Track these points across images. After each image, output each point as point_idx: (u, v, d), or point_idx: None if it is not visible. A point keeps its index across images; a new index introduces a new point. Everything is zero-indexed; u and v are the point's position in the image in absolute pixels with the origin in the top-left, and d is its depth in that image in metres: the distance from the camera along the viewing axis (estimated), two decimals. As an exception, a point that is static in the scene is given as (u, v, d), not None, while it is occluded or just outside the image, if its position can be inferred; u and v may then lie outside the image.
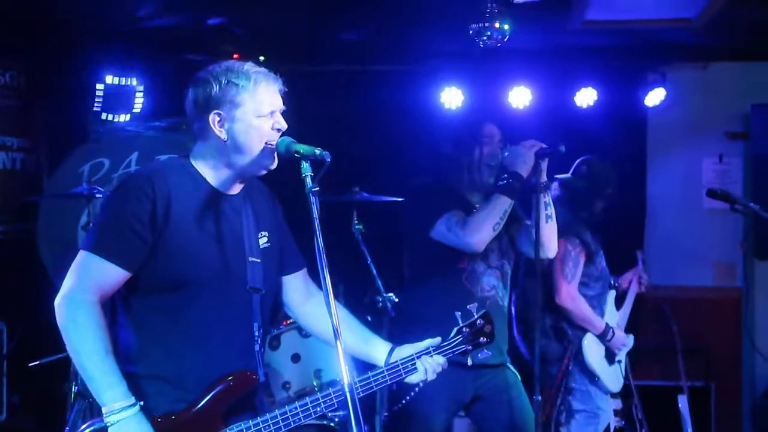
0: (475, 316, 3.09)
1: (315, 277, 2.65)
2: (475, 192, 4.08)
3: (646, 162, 6.89)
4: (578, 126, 6.45)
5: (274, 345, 4.77)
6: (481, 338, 3.08)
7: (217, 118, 2.75)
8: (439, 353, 3.00)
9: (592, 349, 4.91)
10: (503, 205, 3.83)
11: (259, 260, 2.84)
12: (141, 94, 6.36)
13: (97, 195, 5.31)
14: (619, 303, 5.19)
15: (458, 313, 3.10)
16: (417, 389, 3.85)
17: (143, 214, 2.63)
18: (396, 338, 3.92)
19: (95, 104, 6.31)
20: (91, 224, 2.79)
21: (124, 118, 6.45)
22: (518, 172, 3.84)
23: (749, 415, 6.64)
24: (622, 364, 5.08)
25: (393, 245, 4.51)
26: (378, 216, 5.54)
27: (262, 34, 6.22)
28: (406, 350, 3.00)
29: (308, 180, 2.62)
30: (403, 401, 3.93)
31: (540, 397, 3.79)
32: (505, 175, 3.87)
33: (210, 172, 2.80)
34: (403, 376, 2.94)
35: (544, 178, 3.92)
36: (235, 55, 6.29)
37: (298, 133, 2.88)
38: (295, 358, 4.73)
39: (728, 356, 6.75)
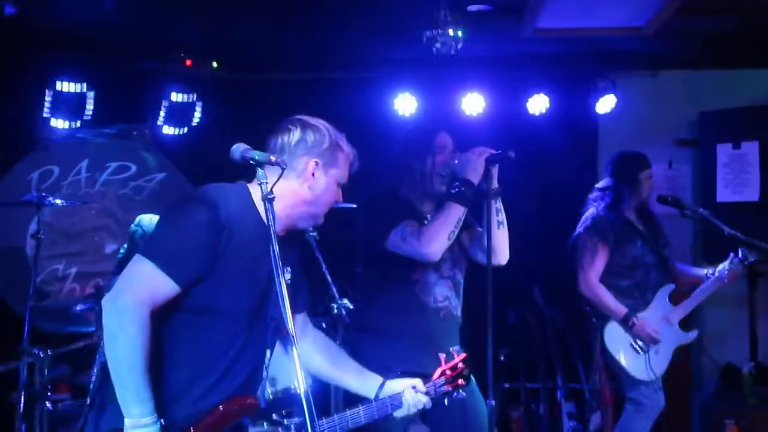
0: (456, 359, 3.26)
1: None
2: (426, 201, 4.08)
3: (598, 168, 6.96)
4: (531, 132, 6.52)
5: None
6: (460, 380, 3.26)
7: (315, 165, 2.86)
8: (424, 393, 3.19)
9: (613, 336, 5.13)
10: (457, 213, 3.84)
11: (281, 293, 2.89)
12: (91, 100, 6.29)
13: (47, 203, 5.25)
14: None
15: (442, 355, 3.23)
16: None
17: (211, 239, 2.65)
18: (350, 345, 3.95)
19: (44, 111, 6.23)
20: (155, 231, 2.74)
21: (73, 124, 6.37)
22: (469, 179, 3.85)
23: (698, 416, 6.73)
24: (661, 355, 5.20)
25: (348, 252, 4.52)
26: (332, 222, 5.54)
27: (215, 42, 6.20)
28: (396, 385, 3.15)
29: (264, 187, 2.64)
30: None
31: (494, 402, 3.82)
32: (457, 183, 3.88)
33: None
34: (390, 410, 3.11)
35: (495, 184, 3.93)
36: (188, 62, 6.27)
37: (253, 140, 2.89)
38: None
39: (679, 358, 6.80)
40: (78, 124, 6.39)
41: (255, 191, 2.80)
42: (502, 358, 6.33)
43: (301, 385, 2.54)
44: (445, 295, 4.04)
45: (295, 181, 2.84)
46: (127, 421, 2.57)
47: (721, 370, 6.48)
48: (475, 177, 3.85)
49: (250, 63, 6.70)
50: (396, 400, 3.10)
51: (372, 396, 3.09)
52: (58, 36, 5.84)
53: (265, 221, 2.73)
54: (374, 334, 3.96)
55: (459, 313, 4.13)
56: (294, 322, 3.07)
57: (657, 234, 5.28)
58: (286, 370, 4.15)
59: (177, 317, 2.70)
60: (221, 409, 2.73)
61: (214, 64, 6.45)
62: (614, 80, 6.72)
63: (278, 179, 2.73)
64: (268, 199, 2.62)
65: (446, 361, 3.24)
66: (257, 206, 2.80)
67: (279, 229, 2.84)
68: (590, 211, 5.29)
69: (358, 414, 2.96)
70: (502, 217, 3.99)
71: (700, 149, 6.78)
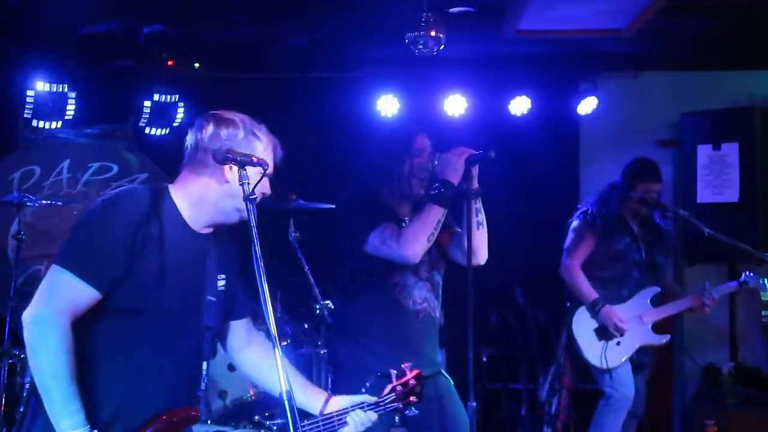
0: (408, 376, 3.17)
1: (254, 285, 2.65)
2: (404, 204, 4.06)
3: (579, 169, 7.00)
4: (513, 134, 6.55)
5: (231, 367, 4.73)
6: (412, 397, 3.17)
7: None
8: (372, 410, 3.10)
9: (580, 321, 5.27)
10: (436, 214, 3.82)
11: (215, 300, 2.87)
12: (73, 100, 6.26)
13: (28, 203, 5.23)
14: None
15: (393, 372, 3.17)
16: None
17: (126, 239, 2.61)
18: (329, 348, 3.94)
19: (26, 111, 6.20)
20: (69, 238, 2.71)
21: (55, 125, 6.35)
22: (449, 180, 3.84)
23: (680, 416, 6.78)
24: (620, 348, 5.23)
25: (330, 252, 4.52)
26: (315, 223, 5.56)
27: (197, 42, 6.19)
28: (342, 401, 3.08)
29: (246, 187, 2.63)
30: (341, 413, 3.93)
31: (475, 404, 3.82)
32: (436, 184, 3.85)
33: (188, 208, 2.80)
34: (337, 427, 3.03)
35: (475, 184, 3.92)
36: (170, 62, 6.26)
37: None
38: (231, 367, 4.71)
39: (660, 359, 6.85)
40: (59, 124, 6.37)
41: (177, 193, 2.79)
42: (483, 359, 6.35)
43: (283, 386, 2.52)
44: (424, 297, 4.03)
45: (214, 177, 2.78)
46: None
47: (702, 371, 6.53)
48: (455, 178, 3.84)
49: (233, 63, 6.69)
50: (342, 418, 3.02)
51: (316, 411, 3.02)
52: (39, 36, 5.82)
53: (189, 223, 2.76)
54: (353, 337, 3.94)
55: (438, 314, 4.12)
56: (235, 331, 3.09)
57: (656, 241, 5.36)
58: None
59: (102, 325, 2.65)
60: (163, 419, 2.69)
61: (196, 65, 6.43)
62: (596, 82, 6.75)
63: (182, 175, 2.77)
64: (249, 199, 2.61)
65: (398, 378, 3.15)
66: (179, 208, 2.78)
67: (205, 226, 2.83)
68: (592, 200, 5.47)
69: (303, 427, 2.91)
70: (482, 217, 3.99)
71: (681, 150, 6.81)
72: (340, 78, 6.83)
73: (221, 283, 2.89)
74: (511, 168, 5.47)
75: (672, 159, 7.04)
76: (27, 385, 4.65)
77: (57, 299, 2.55)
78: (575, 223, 5.38)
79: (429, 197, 3.86)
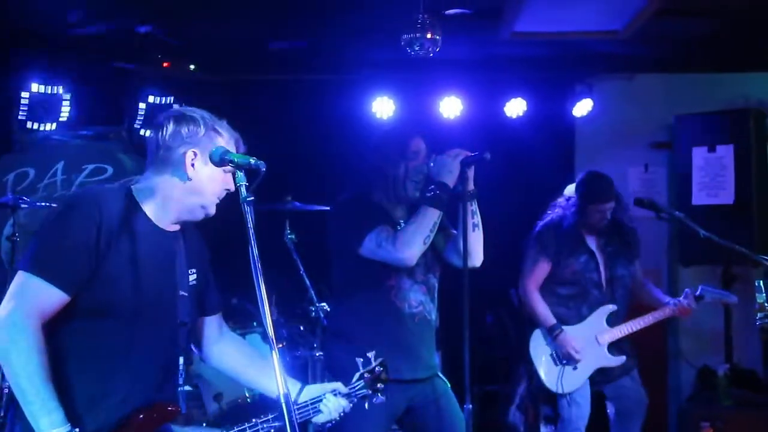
0: (374, 364, 3.26)
1: (250, 287, 2.65)
2: (399, 207, 4.06)
3: (575, 171, 6.99)
4: (508, 136, 6.55)
5: None
6: (379, 384, 3.26)
7: (193, 156, 2.79)
8: (343, 397, 3.16)
9: (538, 342, 5.19)
10: (432, 217, 3.81)
11: (187, 294, 2.88)
12: (68, 102, 6.25)
13: (23, 205, 5.21)
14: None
15: (359, 360, 3.23)
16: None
17: (89, 239, 2.62)
18: (325, 351, 3.93)
19: (20, 113, 6.18)
20: (31, 243, 2.71)
21: (50, 126, 6.33)
22: (444, 182, 3.83)
23: (675, 418, 6.77)
24: (577, 373, 5.14)
25: (325, 255, 4.51)
26: (310, 225, 5.54)
27: (193, 43, 6.18)
28: (315, 390, 3.12)
29: (243, 189, 2.63)
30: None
31: (471, 406, 3.82)
32: (432, 186, 3.84)
33: (152, 206, 2.80)
34: (312, 415, 3.09)
35: (470, 186, 3.92)
36: (165, 64, 6.24)
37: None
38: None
39: (655, 361, 6.87)
40: (54, 126, 6.35)
41: (140, 192, 2.79)
42: (479, 361, 6.35)
43: (280, 388, 2.52)
44: (420, 300, 4.02)
45: (176, 175, 2.79)
46: None
47: (697, 373, 6.53)
48: (451, 180, 3.83)
49: (228, 64, 6.68)
50: (316, 405, 3.07)
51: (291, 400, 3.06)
52: (33, 37, 5.80)
53: (155, 221, 2.77)
54: (349, 341, 3.93)
55: (434, 317, 4.11)
56: (207, 326, 3.09)
57: (619, 250, 5.26)
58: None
59: (73, 325, 2.65)
60: (141, 417, 2.69)
61: (192, 67, 6.41)
62: (591, 84, 6.76)
63: (146, 174, 2.80)
64: (247, 201, 2.61)
65: (364, 366, 3.25)
66: (143, 207, 2.78)
67: (170, 223, 2.84)
68: (548, 217, 5.33)
69: (275, 417, 2.93)
70: (477, 219, 3.98)
71: (676, 152, 6.82)
72: (335, 80, 6.82)
73: (192, 277, 2.91)
74: (506, 170, 5.46)
75: (667, 161, 7.05)
76: (6, 390, 4.62)
77: (25, 303, 2.57)
78: (530, 244, 5.26)
79: (424, 199, 3.85)
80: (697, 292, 5.17)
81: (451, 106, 6.65)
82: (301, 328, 5.50)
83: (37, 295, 2.58)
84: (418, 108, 6.64)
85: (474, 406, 3.82)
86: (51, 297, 2.59)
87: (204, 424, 4.47)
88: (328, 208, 4.27)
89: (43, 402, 2.52)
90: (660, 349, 6.95)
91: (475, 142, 4.09)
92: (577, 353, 5.10)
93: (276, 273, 4.09)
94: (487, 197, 4.09)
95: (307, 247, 5.32)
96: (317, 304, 5.11)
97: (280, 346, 5.21)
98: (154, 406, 2.73)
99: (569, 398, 5.15)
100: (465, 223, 3.84)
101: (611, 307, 5.19)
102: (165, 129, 2.81)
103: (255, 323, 5.32)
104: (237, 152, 2.85)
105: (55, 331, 2.62)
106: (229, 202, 2.88)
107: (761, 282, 5.30)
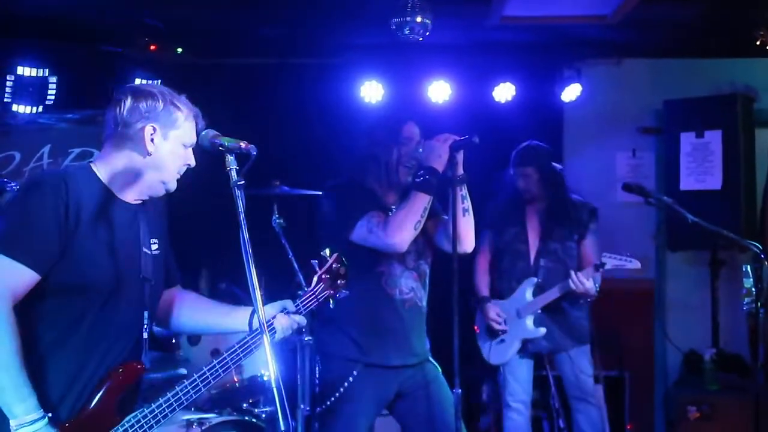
0: (330, 261, 3.25)
1: (239, 272, 2.64)
2: (391, 192, 4.04)
3: (563, 156, 6.99)
4: (497, 120, 6.53)
5: (194, 340, 4.73)
6: (339, 281, 3.26)
7: (152, 131, 2.76)
8: (306, 304, 3.19)
9: (479, 317, 5.36)
10: (422, 202, 3.80)
11: (150, 255, 2.88)
12: (54, 85, 6.20)
13: (8, 188, 5.17)
14: None
15: (315, 261, 3.23)
16: (342, 390, 3.87)
17: (57, 216, 2.61)
18: (315, 337, 3.94)
19: (5, 96, 6.13)
20: (0, 223, 2.68)
21: (35, 110, 6.28)
22: (434, 166, 3.82)
23: (662, 403, 6.81)
24: (503, 346, 5.23)
25: (314, 240, 4.49)
26: (299, 210, 5.52)
27: (179, 26, 6.13)
28: (268, 311, 3.08)
29: (233, 173, 2.62)
30: (328, 402, 3.92)
31: (460, 390, 3.82)
32: (421, 171, 3.84)
33: (113, 182, 2.80)
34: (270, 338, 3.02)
35: (460, 170, 3.91)
36: (152, 47, 6.20)
37: (219, 125, 2.87)
38: (216, 353, 4.69)
39: (642, 346, 6.91)
40: (40, 109, 6.30)
41: (100, 169, 2.79)
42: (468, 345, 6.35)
43: (272, 373, 2.51)
44: (411, 287, 4.02)
45: (136, 150, 2.77)
46: (12, 422, 2.52)
47: (683, 357, 6.56)
48: (440, 164, 3.82)
49: (215, 48, 6.64)
50: (270, 328, 3.04)
51: (246, 328, 3.04)
52: (19, 20, 5.75)
53: (118, 195, 2.76)
54: (339, 327, 3.93)
55: (424, 303, 4.11)
56: (165, 298, 3.07)
57: (554, 226, 5.26)
58: (253, 357, 4.16)
59: (45, 305, 2.65)
60: (111, 376, 2.71)
61: (179, 50, 6.37)
62: (579, 68, 6.74)
63: (104, 149, 2.79)
64: (237, 186, 2.59)
65: (320, 267, 3.24)
66: (104, 181, 2.77)
67: (132, 198, 2.83)
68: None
69: (235, 351, 2.93)
70: (468, 204, 3.98)
71: (664, 137, 6.82)
72: (323, 64, 6.79)
73: (155, 247, 2.91)
74: (495, 154, 5.45)
75: (655, 146, 7.06)
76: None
77: None
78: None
79: (414, 185, 3.84)
80: (599, 261, 5.08)
81: (439, 91, 6.62)
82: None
83: (8, 276, 2.55)
84: (406, 92, 6.62)
85: (463, 391, 3.83)
86: (22, 277, 2.57)
87: (192, 408, 4.45)
88: (318, 192, 4.26)
89: (16, 389, 2.51)
90: (647, 334, 6.97)
91: (463, 127, 4.08)
92: (499, 325, 5.16)
93: (264, 257, 4.07)
94: (475, 182, 4.09)
95: (295, 232, 5.30)
96: (305, 288, 5.08)
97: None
98: (120, 367, 2.74)
99: (503, 371, 5.24)
100: (455, 209, 3.83)
101: (533, 280, 5.21)
102: (123, 104, 2.78)
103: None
104: (197, 127, 2.84)
105: (25, 313, 2.60)
106: (215, 185, 2.86)
107: (748, 267, 5.31)
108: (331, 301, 3.25)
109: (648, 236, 7.00)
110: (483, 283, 5.33)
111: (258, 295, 2.51)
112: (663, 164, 6.87)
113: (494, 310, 5.21)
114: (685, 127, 6.56)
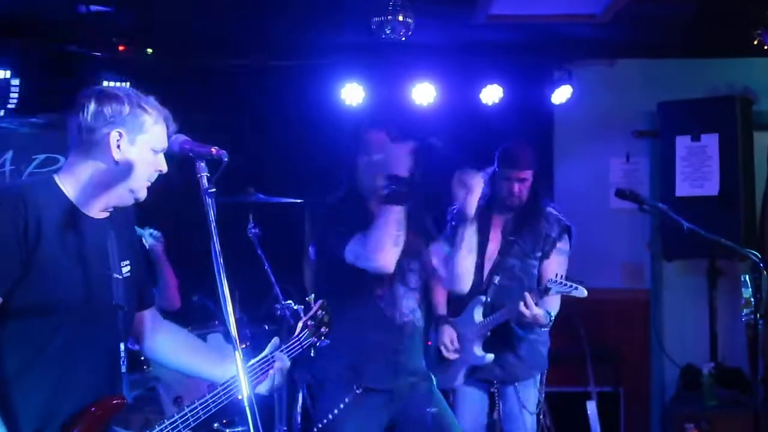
0: (315, 308, 3.35)
1: (211, 284, 2.62)
2: (373, 200, 4.02)
3: (553, 161, 7.02)
4: (484, 123, 6.54)
5: None
6: (323, 328, 3.36)
7: (118, 137, 2.72)
8: (289, 351, 3.19)
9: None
10: (394, 214, 3.73)
11: (122, 279, 2.84)
12: (16, 87, 6.16)
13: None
14: None
15: (300, 307, 3.25)
16: (330, 416, 3.86)
17: (16, 234, 2.56)
18: (309, 361, 3.94)
19: (-35, 99, 6.10)
20: None
21: (-3, 114, 6.26)
22: (396, 173, 3.76)
23: (658, 420, 6.82)
24: (450, 372, 4.88)
25: (291, 249, 4.48)
26: (275, 218, 5.52)
27: (149, 25, 6.12)
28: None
29: (204, 180, 2.60)
30: (320, 425, 3.91)
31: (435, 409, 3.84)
32: (386, 183, 3.78)
33: (78, 194, 2.75)
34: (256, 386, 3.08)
35: (470, 211, 3.86)
36: (121, 48, 6.18)
37: (191, 130, 2.85)
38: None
39: (637, 360, 6.92)
40: (1, 113, 6.26)
41: (64, 180, 2.75)
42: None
43: (244, 392, 2.50)
44: (411, 308, 4.00)
45: (101, 158, 2.73)
46: None
47: (680, 372, 6.57)
48: (403, 170, 3.78)
49: (187, 49, 6.63)
50: (268, 367, 3.08)
51: (228, 376, 3.02)
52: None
53: (82, 210, 2.72)
54: (335, 351, 3.91)
55: (422, 324, 4.12)
56: (142, 320, 3.06)
57: (517, 241, 4.93)
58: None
59: (8, 329, 2.60)
60: (90, 411, 2.67)
61: (149, 50, 6.36)
62: (570, 70, 6.77)
63: (69, 158, 2.75)
64: (208, 193, 2.57)
65: (305, 313, 3.34)
66: (69, 195, 2.73)
67: (98, 211, 2.79)
68: None
69: (219, 395, 2.93)
70: (474, 242, 3.94)
71: (659, 141, 6.85)
72: (301, 65, 6.78)
73: (126, 269, 2.87)
74: (482, 159, 5.45)
75: (649, 150, 7.09)
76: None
77: None
78: None
79: (381, 199, 3.79)
80: (544, 286, 4.69)
81: (424, 93, 6.62)
82: (266, 327, 5.47)
83: None
84: (389, 95, 6.62)
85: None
86: None
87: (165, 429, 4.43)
88: (294, 200, 4.25)
89: None
90: (642, 347, 6.99)
91: (449, 131, 4.09)
92: (448, 352, 4.82)
93: (239, 269, 4.06)
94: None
95: (271, 242, 5.29)
96: (283, 302, 5.08)
97: (244, 346, 5.18)
98: (98, 402, 2.70)
99: (453, 398, 4.93)
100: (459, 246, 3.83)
101: (480, 299, 4.88)
102: (86, 109, 2.73)
103: (216, 322, 5.28)
104: (168, 130, 2.80)
105: None
106: (188, 194, 2.85)
107: (747, 276, 5.31)
108: (312, 350, 3.30)
109: (642, 245, 7.02)
110: (441, 298, 4.93)
111: (230, 309, 2.49)
112: (658, 169, 6.90)
113: (449, 334, 4.83)
114: (681, 131, 6.59)
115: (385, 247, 3.72)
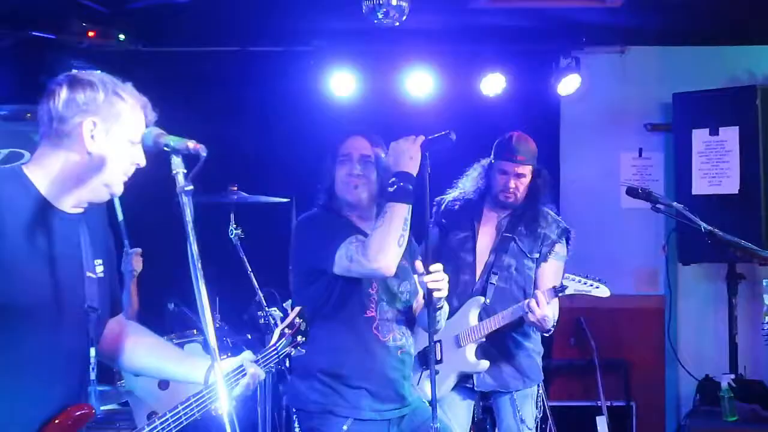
0: (292, 315, 3.41)
1: (189, 290, 2.61)
2: (353, 214, 4.00)
3: (559, 156, 7.02)
4: (485, 116, 6.54)
5: None
6: (299, 337, 3.42)
7: (92, 126, 2.68)
8: (266, 360, 3.25)
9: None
10: (401, 213, 3.73)
11: (96, 279, 2.82)
12: (-23, 77, 6.18)
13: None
14: None
15: (279, 315, 3.28)
16: None
17: None
18: (293, 389, 3.96)
19: None
20: None
21: (-44, 105, 6.26)
22: (406, 170, 3.78)
23: (674, 437, 6.84)
24: (442, 377, 4.69)
25: (276, 252, 4.47)
26: (259, 219, 5.51)
27: (121, 9, 6.10)
28: (226, 365, 3.09)
29: (180, 177, 2.57)
30: None
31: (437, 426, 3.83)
32: (393, 179, 3.79)
33: (49, 187, 2.71)
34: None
35: (428, 170, 3.88)
36: (91, 33, 6.17)
37: (167, 122, 2.84)
38: (164, 384, 4.67)
39: (651, 372, 6.93)
40: (-39, 105, 6.27)
41: (34, 172, 2.71)
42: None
43: (224, 407, 2.50)
44: (403, 332, 4.02)
45: (74, 149, 2.70)
46: None
47: (698, 385, 6.57)
48: (412, 167, 3.79)
49: (162, 35, 6.62)
50: (241, 374, 3.10)
51: (201, 381, 3.02)
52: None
53: (54, 204, 2.69)
54: (321, 379, 3.91)
55: (413, 350, 4.13)
56: (110, 327, 3.02)
57: (513, 239, 4.85)
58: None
59: None
60: (56, 423, 2.66)
61: (121, 36, 6.34)
62: (578, 58, 6.76)
63: (39, 149, 2.71)
64: (184, 191, 2.56)
65: (282, 321, 3.43)
66: (39, 188, 2.70)
67: (71, 206, 2.76)
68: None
69: (190, 403, 2.93)
70: (405, 225, 3.87)
71: (674, 135, 6.86)
72: (286, 52, 6.79)
73: (100, 269, 2.85)
74: (482, 153, 5.45)
75: (664, 145, 7.10)
76: None
77: None
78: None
79: (388, 196, 3.80)
80: (560, 284, 4.66)
81: (420, 83, 6.62)
82: (249, 336, 5.47)
83: None
84: (382, 85, 6.63)
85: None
86: None
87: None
88: (279, 199, 4.25)
89: None
90: (656, 358, 7.00)
91: (447, 124, 4.07)
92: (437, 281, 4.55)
93: (219, 273, 4.06)
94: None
95: (254, 244, 5.28)
96: (266, 309, 5.08)
97: (224, 357, 5.17)
98: (67, 411, 2.69)
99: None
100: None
101: (479, 299, 4.79)
102: (57, 96, 2.69)
103: (195, 331, 5.27)
104: (146, 120, 2.78)
105: None
106: (164, 191, 2.83)
107: (768, 282, 5.35)
108: (287, 361, 3.33)
109: (656, 247, 7.03)
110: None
111: (208, 316, 2.47)
112: (672, 165, 6.91)
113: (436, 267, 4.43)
114: (698, 124, 6.59)
115: (389, 248, 3.71)
